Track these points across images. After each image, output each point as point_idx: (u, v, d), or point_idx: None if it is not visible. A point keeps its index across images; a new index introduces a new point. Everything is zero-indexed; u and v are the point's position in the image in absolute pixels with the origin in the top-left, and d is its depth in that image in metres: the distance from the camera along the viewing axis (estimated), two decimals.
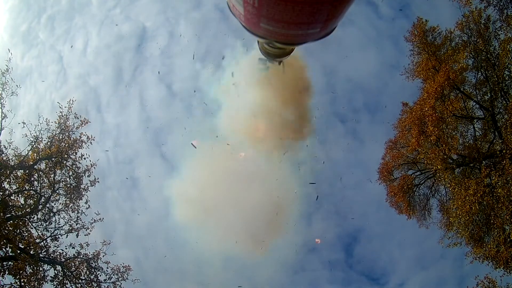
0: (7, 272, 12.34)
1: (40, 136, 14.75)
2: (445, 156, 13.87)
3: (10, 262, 12.60)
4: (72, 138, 15.21)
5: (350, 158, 24.05)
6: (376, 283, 23.01)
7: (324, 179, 24.51)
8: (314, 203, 23.80)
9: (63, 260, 14.27)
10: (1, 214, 12.46)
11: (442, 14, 17.99)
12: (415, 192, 16.76)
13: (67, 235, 14.63)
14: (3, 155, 13.78)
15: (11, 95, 14.53)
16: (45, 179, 14.70)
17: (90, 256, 14.79)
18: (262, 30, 1.18)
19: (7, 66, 14.44)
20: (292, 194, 22.72)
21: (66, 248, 14.46)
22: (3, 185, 13.36)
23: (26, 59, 25.01)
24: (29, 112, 22.74)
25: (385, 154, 17.46)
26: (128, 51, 24.97)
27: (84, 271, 14.66)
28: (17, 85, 14.76)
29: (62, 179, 15.05)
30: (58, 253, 14.26)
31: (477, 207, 12.73)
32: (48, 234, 14.37)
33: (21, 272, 12.53)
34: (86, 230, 15.04)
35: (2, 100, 14.14)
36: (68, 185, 14.96)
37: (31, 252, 13.07)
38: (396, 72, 19.05)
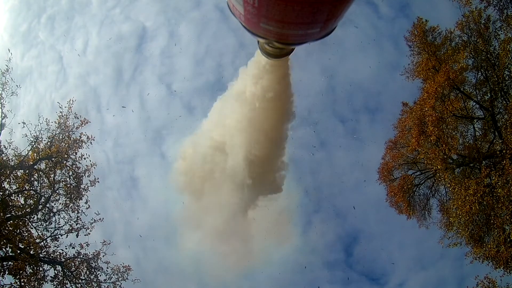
0: (7, 272, 12.34)
1: (40, 136, 14.75)
2: (445, 156, 13.88)
3: (10, 262, 12.61)
4: (72, 138, 15.20)
5: (350, 158, 24.10)
6: (376, 283, 23.05)
7: (324, 180, 24.59)
8: (315, 203, 23.85)
9: (63, 260, 14.26)
10: (1, 214, 12.46)
11: (442, 14, 18.02)
12: (415, 192, 16.76)
13: (67, 235, 14.62)
14: (3, 155, 13.78)
15: (11, 95, 14.53)
16: (45, 179, 14.70)
17: (90, 256, 14.78)
18: (262, 30, 1.18)
19: (7, 66, 14.44)
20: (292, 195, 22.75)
21: (66, 248, 14.46)
22: (3, 185, 13.36)
23: (26, 59, 25.07)
24: (29, 112, 22.79)
25: (385, 154, 17.46)
26: (128, 51, 25.03)
27: (84, 271, 14.65)
28: (17, 85, 14.77)
29: (62, 179, 15.03)
30: (58, 253, 14.26)
31: (477, 207, 12.73)
32: (48, 234, 14.37)
33: (21, 272, 12.54)
34: (86, 230, 15.03)
35: (2, 100, 14.14)
36: (68, 185, 14.95)
37: (31, 252, 13.07)
38: (396, 72, 19.07)
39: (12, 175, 13.76)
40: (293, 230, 22.78)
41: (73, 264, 14.47)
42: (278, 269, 22.45)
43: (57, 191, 14.87)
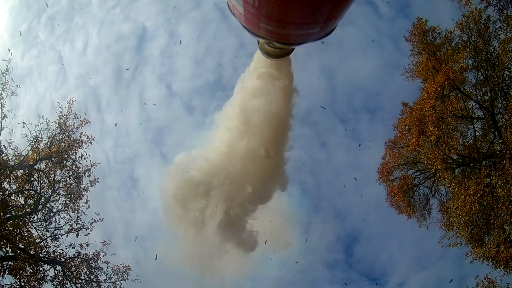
0: (7, 272, 12.34)
1: (40, 136, 14.76)
2: (445, 156, 13.87)
3: (10, 262, 12.61)
4: (72, 138, 15.21)
5: (350, 158, 24.09)
6: (376, 283, 23.03)
7: (324, 180, 24.59)
8: (315, 203, 23.84)
9: (63, 260, 14.27)
10: (1, 214, 12.46)
11: (442, 14, 17.97)
12: (415, 192, 16.75)
13: (67, 235, 14.64)
14: (3, 155, 13.78)
15: (11, 95, 14.55)
16: (45, 179, 14.70)
17: (90, 256, 14.80)
18: (262, 30, 1.18)
19: (7, 66, 14.46)
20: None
21: (66, 248, 14.48)
22: (3, 185, 13.36)
23: (26, 59, 25.05)
24: (29, 112, 22.75)
25: (385, 154, 17.45)
26: (128, 51, 25.03)
27: (84, 271, 14.66)
28: (17, 85, 14.79)
29: (62, 179, 15.05)
30: (58, 253, 14.27)
31: (477, 207, 12.73)
32: (48, 234, 14.38)
33: (21, 272, 12.54)
34: (86, 230, 15.05)
35: (2, 100, 14.16)
36: (68, 185, 14.96)
37: (31, 252, 13.07)
38: (396, 72, 19.04)
39: (12, 175, 13.76)
40: (293, 231, 22.71)
41: (73, 264, 14.48)
42: (279, 270, 22.44)
43: (57, 191, 14.88)
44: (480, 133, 15.12)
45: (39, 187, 14.55)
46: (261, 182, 15.40)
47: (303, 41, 1.26)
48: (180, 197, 16.86)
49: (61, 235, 14.55)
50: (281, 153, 15.21)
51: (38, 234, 14.11)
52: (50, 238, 14.32)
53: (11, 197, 13.85)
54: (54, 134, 15.04)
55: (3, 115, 14.05)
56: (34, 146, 14.53)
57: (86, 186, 15.34)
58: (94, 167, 15.47)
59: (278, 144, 14.66)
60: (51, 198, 14.75)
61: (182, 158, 17.90)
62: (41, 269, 13.67)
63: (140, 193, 24.87)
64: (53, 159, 14.66)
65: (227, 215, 15.92)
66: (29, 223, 13.90)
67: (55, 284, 13.98)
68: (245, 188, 15.26)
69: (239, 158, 14.85)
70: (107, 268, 15.03)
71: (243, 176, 15.11)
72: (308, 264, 22.79)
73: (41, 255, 13.63)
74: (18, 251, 12.56)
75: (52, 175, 14.79)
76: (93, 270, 14.76)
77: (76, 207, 15.06)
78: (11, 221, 12.94)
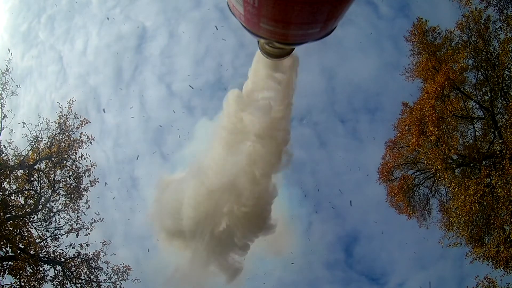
0: (7, 272, 12.34)
1: (40, 136, 14.76)
2: (445, 156, 13.87)
3: (10, 262, 12.61)
4: (72, 138, 15.21)
5: (350, 158, 24.11)
6: (376, 283, 23.04)
7: (323, 179, 24.59)
8: (315, 203, 23.82)
9: (63, 260, 14.27)
10: (1, 214, 12.45)
11: (442, 14, 17.99)
12: (415, 192, 16.75)
13: (67, 235, 14.64)
14: (3, 155, 13.78)
15: (11, 95, 14.55)
16: (45, 179, 14.70)
17: (90, 256, 14.80)
18: (262, 30, 1.18)
19: (7, 66, 14.46)
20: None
21: (66, 248, 14.49)
22: (3, 185, 13.36)
23: (26, 59, 25.06)
24: (29, 112, 22.76)
25: (385, 154, 17.44)
26: (128, 51, 25.04)
27: (84, 271, 14.67)
28: (17, 85, 14.79)
29: (62, 179, 15.05)
30: (58, 253, 14.28)
31: (477, 207, 12.73)
32: (48, 234, 14.38)
33: (21, 272, 12.54)
34: (86, 230, 15.06)
35: (2, 100, 14.15)
36: (68, 185, 14.96)
37: (31, 252, 13.07)
38: (396, 72, 19.04)
39: (12, 175, 13.76)
40: (293, 233, 22.65)
41: (73, 264, 14.48)
42: (279, 270, 22.43)
43: (57, 191, 14.88)
44: (480, 133, 15.12)
45: (39, 187, 14.55)
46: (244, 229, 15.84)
47: (303, 41, 1.26)
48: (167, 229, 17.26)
49: (61, 235, 14.56)
50: (266, 203, 15.54)
51: (38, 234, 14.11)
52: (50, 238, 14.32)
53: (11, 197, 13.85)
54: (54, 134, 15.03)
55: (3, 115, 14.05)
56: (34, 146, 14.53)
57: (86, 186, 15.34)
58: (94, 167, 15.47)
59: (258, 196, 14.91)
60: (51, 198, 14.75)
61: (164, 182, 18.05)
62: (41, 269, 13.67)
63: (140, 193, 24.91)
64: (53, 159, 14.65)
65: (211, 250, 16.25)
66: (29, 223, 13.90)
67: (55, 284, 13.98)
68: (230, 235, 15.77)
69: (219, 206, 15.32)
70: (107, 268, 15.05)
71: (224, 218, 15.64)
72: (308, 264, 22.81)
73: (41, 255, 13.63)
74: (18, 251, 12.56)
75: (52, 175, 14.79)
76: (93, 270, 14.76)
77: (76, 207, 15.07)
78: (11, 221, 12.94)
